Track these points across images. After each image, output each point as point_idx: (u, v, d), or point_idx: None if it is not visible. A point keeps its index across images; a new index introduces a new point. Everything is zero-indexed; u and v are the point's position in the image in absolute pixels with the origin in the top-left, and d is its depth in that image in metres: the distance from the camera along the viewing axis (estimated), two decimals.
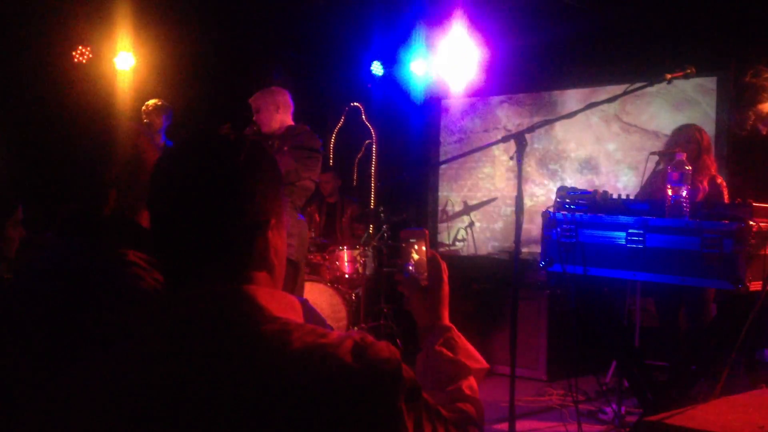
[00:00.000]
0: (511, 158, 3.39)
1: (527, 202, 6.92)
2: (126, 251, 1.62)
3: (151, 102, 5.92)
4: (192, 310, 1.09)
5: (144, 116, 5.87)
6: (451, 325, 1.46)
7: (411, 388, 1.06)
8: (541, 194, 7.44)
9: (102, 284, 1.57)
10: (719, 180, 4.69)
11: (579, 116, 3.68)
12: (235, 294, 1.10)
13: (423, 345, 1.43)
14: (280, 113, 4.75)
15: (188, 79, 7.13)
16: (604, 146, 7.25)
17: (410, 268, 1.51)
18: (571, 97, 7.34)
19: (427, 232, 1.53)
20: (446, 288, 1.50)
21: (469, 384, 1.37)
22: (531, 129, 3.43)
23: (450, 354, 1.39)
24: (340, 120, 7.49)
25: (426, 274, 1.49)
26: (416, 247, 1.51)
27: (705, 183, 4.61)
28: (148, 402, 1.04)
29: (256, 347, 1.04)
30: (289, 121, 4.81)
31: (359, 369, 1.02)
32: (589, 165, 7.34)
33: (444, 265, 1.51)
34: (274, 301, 1.11)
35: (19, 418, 1.16)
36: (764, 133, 3.57)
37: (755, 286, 3.11)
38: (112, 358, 1.12)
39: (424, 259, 1.49)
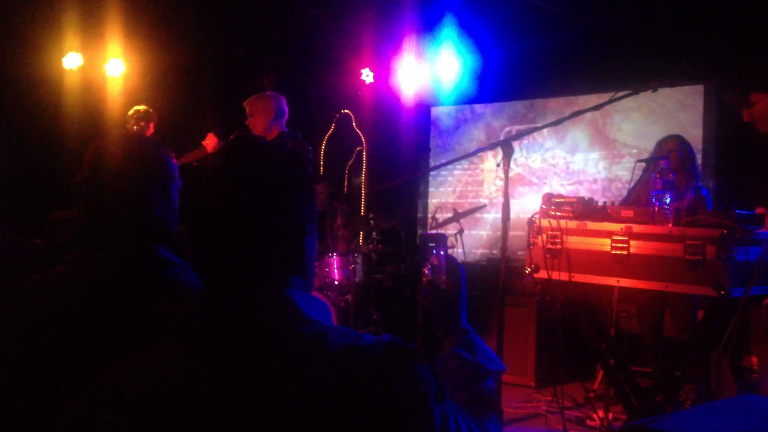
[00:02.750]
0: (498, 165, 3.42)
1: (514, 209, 6.95)
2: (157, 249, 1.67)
3: (141, 108, 5.92)
4: (236, 313, 1.13)
5: (133, 122, 5.86)
6: (469, 327, 1.50)
7: (439, 390, 1.12)
8: (528, 201, 7.47)
9: (147, 283, 1.62)
10: (704, 187, 4.73)
11: (565, 124, 3.72)
12: (276, 298, 1.14)
13: (442, 347, 1.47)
14: (273, 119, 4.75)
15: (180, 87, 7.15)
16: (590, 154, 7.29)
17: (428, 271, 1.54)
18: (559, 105, 7.39)
19: (446, 236, 1.56)
20: (464, 291, 1.54)
21: (488, 385, 1.41)
22: (518, 136, 3.47)
23: (469, 356, 1.43)
24: (330, 127, 7.50)
25: (444, 277, 1.52)
26: (435, 251, 1.54)
27: (689, 190, 4.65)
28: (194, 402, 1.08)
29: (297, 349, 1.09)
30: (282, 127, 4.82)
31: (394, 370, 1.08)
32: (574, 172, 7.39)
33: (462, 269, 1.55)
34: (310, 304, 1.16)
35: (62, 414, 1.19)
36: (746, 119, 3.64)
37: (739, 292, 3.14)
38: (155, 359, 1.16)
39: (443, 262, 1.53)
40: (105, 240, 1.69)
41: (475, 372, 1.40)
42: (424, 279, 1.55)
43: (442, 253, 1.53)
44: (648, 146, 6.58)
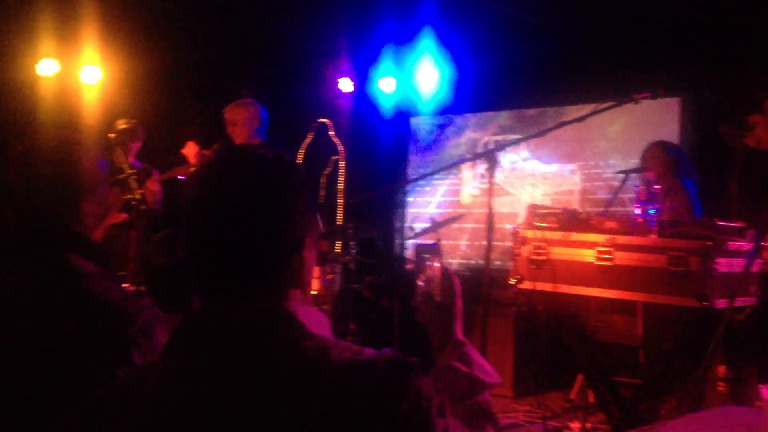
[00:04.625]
0: (483, 176, 3.43)
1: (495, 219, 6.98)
2: (79, 263, 1.63)
3: (128, 121, 5.83)
4: (236, 328, 1.11)
5: (119, 135, 5.78)
6: (464, 339, 1.48)
7: (440, 404, 1.10)
8: (509, 211, 7.50)
9: (68, 300, 1.57)
10: (683, 194, 4.74)
11: (548, 135, 3.73)
12: (277, 312, 1.13)
13: (438, 359, 1.45)
14: (255, 128, 4.70)
15: (158, 94, 7.08)
16: (567, 165, 7.34)
17: (423, 282, 1.53)
18: (539, 117, 7.43)
19: (440, 246, 1.55)
20: (459, 303, 1.52)
21: (485, 398, 1.39)
22: (501, 147, 3.48)
23: (465, 368, 1.41)
24: (308, 136, 7.47)
25: (439, 288, 1.51)
26: (430, 262, 1.53)
27: (673, 200, 4.68)
28: (193, 420, 1.05)
29: (298, 363, 1.07)
30: (264, 136, 4.77)
31: (396, 386, 1.06)
32: (552, 183, 7.43)
33: (457, 280, 1.53)
34: (310, 317, 1.14)
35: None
36: (752, 144, 3.67)
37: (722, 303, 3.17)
38: (152, 375, 1.13)
39: (438, 274, 1.52)
40: (21, 252, 1.65)
41: (472, 385, 1.39)
42: (418, 290, 1.54)
43: (436, 264, 1.52)
44: (626, 158, 6.66)
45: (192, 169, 4.82)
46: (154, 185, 4.87)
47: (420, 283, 1.54)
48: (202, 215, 1.16)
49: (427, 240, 6.72)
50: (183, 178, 5.01)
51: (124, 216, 5.62)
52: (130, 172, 5.42)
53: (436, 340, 1.50)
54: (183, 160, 5.01)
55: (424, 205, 8.22)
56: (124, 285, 5.22)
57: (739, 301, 3.32)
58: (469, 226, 7.71)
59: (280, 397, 1.04)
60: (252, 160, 1.19)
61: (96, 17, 6.32)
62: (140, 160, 5.90)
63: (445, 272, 1.54)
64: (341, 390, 1.04)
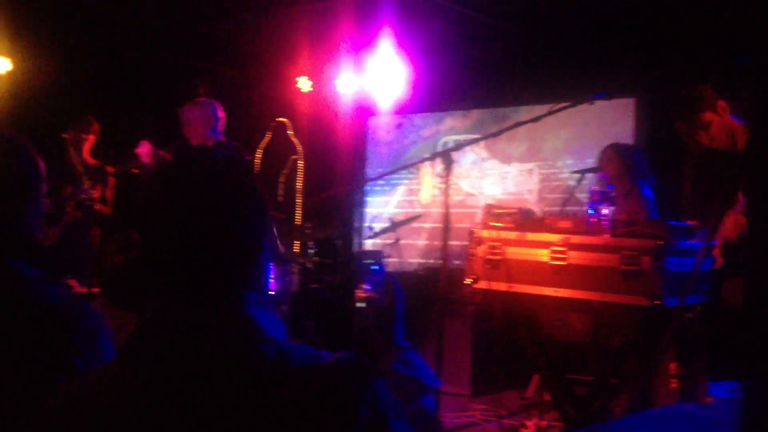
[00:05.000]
0: (439, 176, 3.44)
1: (451, 219, 7.02)
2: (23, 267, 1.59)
3: (83, 119, 5.75)
4: (194, 332, 1.10)
5: (73, 132, 5.69)
6: (406, 343, 1.49)
7: (396, 406, 1.12)
8: (469, 211, 7.53)
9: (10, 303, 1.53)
10: (640, 196, 4.80)
11: (502, 135, 3.76)
12: (235, 316, 1.12)
13: (379, 363, 1.46)
14: (210, 127, 4.65)
15: (113, 93, 6.98)
16: (525, 165, 7.40)
17: (368, 287, 1.55)
18: (497, 117, 7.48)
19: (383, 252, 1.57)
20: (401, 307, 1.53)
21: (428, 402, 1.41)
22: (458, 147, 3.49)
23: (407, 372, 1.42)
24: (266, 135, 7.42)
25: (382, 293, 1.52)
26: (372, 267, 1.55)
27: (630, 196, 4.74)
28: (152, 424, 1.04)
29: (258, 368, 1.07)
30: (219, 135, 4.73)
31: (357, 389, 1.08)
32: (509, 183, 7.48)
33: (399, 285, 1.55)
34: (268, 321, 1.14)
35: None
36: (705, 141, 3.71)
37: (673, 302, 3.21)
38: (107, 380, 1.11)
39: (381, 279, 1.53)
40: None
41: (415, 388, 1.40)
42: (361, 295, 1.56)
43: (379, 269, 1.55)
44: (582, 158, 6.73)
45: (147, 168, 4.76)
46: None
47: (363, 288, 1.56)
48: (160, 218, 1.15)
49: (387, 239, 6.73)
50: (136, 171, 4.96)
51: (78, 215, 5.55)
52: (84, 170, 5.34)
53: (377, 343, 1.51)
54: (136, 158, 4.94)
55: (383, 204, 8.22)
56: (77, 286, 5.15)
57: (690, 300, 3.37)
58: (428, 225, 7.73)
59: (240, 403, 1.04)
60: (209, 163, 1.19)
61: (43, 12, 6.21)
62: (94, 156, 5.83)
63: (388, 278, 1.55)
64: (302, 395, 1.05)
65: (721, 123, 3.66)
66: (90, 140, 5.77)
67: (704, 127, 3.67)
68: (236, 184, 1.17)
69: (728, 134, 3.65)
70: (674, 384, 4.08)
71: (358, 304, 1.51)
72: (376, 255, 1.45)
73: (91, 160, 5.78)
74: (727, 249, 3.54)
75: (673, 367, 3.70)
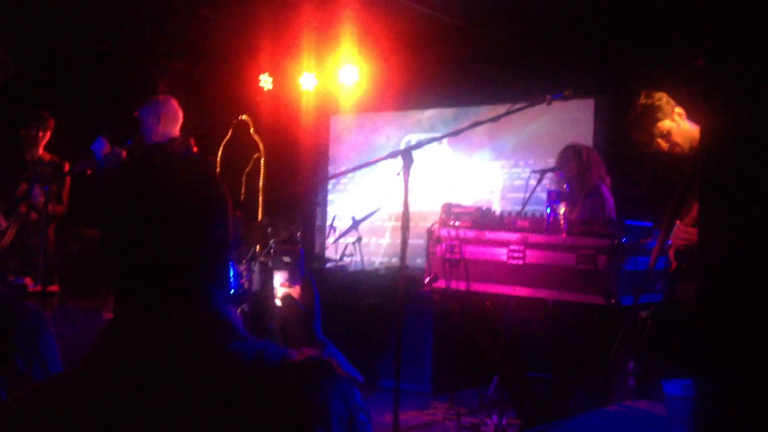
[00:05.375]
0: (398, 174, 3.44)
1: (411, 218, 7.04)
2: None
3: (39, 113, 5.66)
4: (167, 330, 1.09)
5: (29, 130, 5.59)
6: (327, 340, 1.51)
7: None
8: (427, 210, 7.55)
9: None
10: (599, 197, 4.84)
11: (464, 134, 3.76)
12: (207, 314, 1.12)
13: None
14: (161, 124, 4.60)
15: (69, 88, 6.87)
16: (488, 164, 7.44)
17: (285, 285, 1.57)
18: (458, 116, 7.50)
19: (302, 250, 1.59)
20: (319, 305, 1.56)
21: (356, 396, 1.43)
22: (418, 146, 3.48)
23: None
24: (227, 133, 7.37)
25: (300, 292, 1.55)
26: (291, 266, 1.58)
27: (587, 197, 4.78)
28: (126, 424, 1.03)
29: (233, 366, 1.08)
30: (174, 132, 4.67)
31: (328, 387, 1.10)
32: (471, 182, 7.51)
33: (315, 283, 1.57)
34: (236, 319, 1.15)
35: None
36: (665, 149, 3.74)
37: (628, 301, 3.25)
38: (75, 384, 1.09)
39: (299, 277, 1.55)
40: None
41: None
42: (281, 293, 1.59)
43: (297, 268, 1.58)
44: (544, 157, 6.78)
45: (104, 165, 4.71)
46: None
47: (282, 286, 1.59)
48: (126, 217, 1.13)
49: (349, 237, 6.72)
50: (90, 172, 4.90)
51: (33, 215, 5.46)
52: (41, 167, 5.26)
53: (294, 340, 1.55)
54: (92, 155, 4.87)
55: (345, 203, 8.21)
56: (32, 285, 5.06)
57: (645, 298, 3.41)
58: (390, 224, 7.73)
59: (219, 401, 1.04)
60: (175, 160, 1.18)
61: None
62: (49, 152, 5.74)
63: (306, 276, 1.60)
64: (278, 392, 1.06)
65: (679, 130, 3.70)
66: (45, 137, 5.68)
67: (663, 135, 3.70)
68: (202, 181, 1.17)
69: (687, 140, 3.69)
70: (630, 382, 4.13)
71: (278, 302, 1.54)
72: (294, 254, 1.47)
73: (46, 156, 5.69)
74: (679, 254, 3.59)
75: (629, 365, 3.75)
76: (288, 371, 1.09)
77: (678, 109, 3.70)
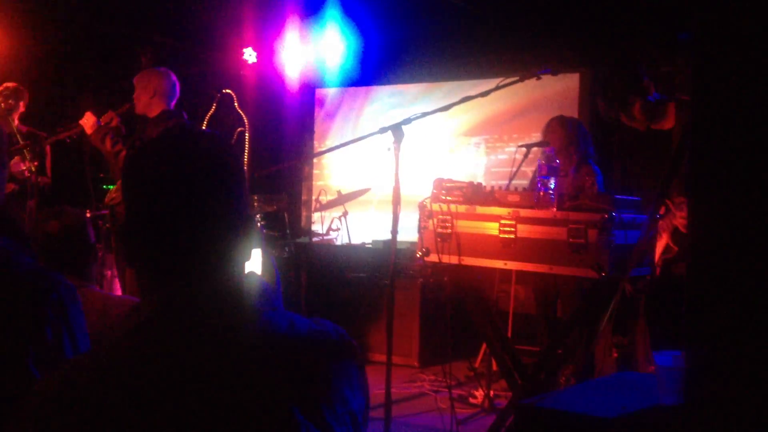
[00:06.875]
0: (389, 149, 3.45)
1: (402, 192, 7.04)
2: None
3: (11, 85, 5.60)
4: (209, 304, 1.11)
5: (1, 99, 5.54)
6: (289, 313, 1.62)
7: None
8: (416, 184, 7.56)
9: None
10: (587, 170, 4.86)
11: (456, 109, 3.76)
12: (241, 285, 1.15)
13: None
14: (154, 97, 4.60)
15: (52, 62, 6.78)
16: (473, 139, 7.45)
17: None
18: (446, 90, 7.48)
19: (262, 230, 1.73)
20: (280, 284, 1.65)
21: None
22: (408, 121, 3.48)
23: None
24: (211, 107, 7.31)
25: (262, 271, 1.65)
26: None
27: (574, 169, 4.81)
28: (170, 396, 1.04)
29: (268, 334, 1.12)
30: (167, 105, 4.67)
31: (350, 349, 1.18)
32: (458, 157, 7.52)
33: (274, 262, 1.75)
34: (268, 289, 1.19)
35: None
36: (625, 122, 3.75)
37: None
38: (117, 358, 1.10)
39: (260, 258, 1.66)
40: None
41: None
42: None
43: (258, 249, 1.66)
44: (529, 132, 6.80)
45: (90, 138, 4.68)
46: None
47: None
48: (150, 195, 1.14)
49: (335, 212, 6.72)
50: (69, 141, 4.88)
51: (13, 186, 5.41)
52: (24, 142, 5.20)
53: None
54: (71, 126, 4.85)
55: (331, 177, 8.19)
56: None
57: (635, 272, 3.45)
58: (377, 198, 7.73)
59: (258, 369, 1.07)
60: (194, 139, 1.19)
61: None
62: (26, 124, 5.69)
63: (267, 259, 1.73)
64: (314, 359, 1.12)
65: (642, 103, 3.68)
66: (19, 108, 5.63)
67: (625, 107, 3.70)
68: (227, 158, 1.19)
69: (648, 114, 3.68)
70: (619, 354, 4.20)
71: None
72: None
73: (23, 128, 5.63)
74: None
75: (618, 338, 3.81)
76: (318, 341, 1.15)
77: (645, 82, 3.68)
